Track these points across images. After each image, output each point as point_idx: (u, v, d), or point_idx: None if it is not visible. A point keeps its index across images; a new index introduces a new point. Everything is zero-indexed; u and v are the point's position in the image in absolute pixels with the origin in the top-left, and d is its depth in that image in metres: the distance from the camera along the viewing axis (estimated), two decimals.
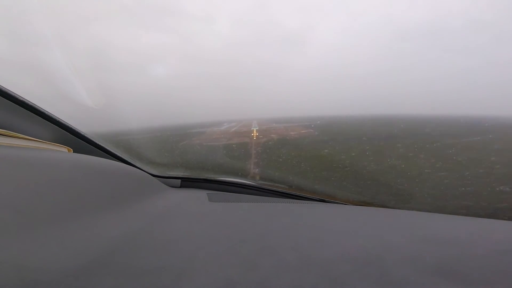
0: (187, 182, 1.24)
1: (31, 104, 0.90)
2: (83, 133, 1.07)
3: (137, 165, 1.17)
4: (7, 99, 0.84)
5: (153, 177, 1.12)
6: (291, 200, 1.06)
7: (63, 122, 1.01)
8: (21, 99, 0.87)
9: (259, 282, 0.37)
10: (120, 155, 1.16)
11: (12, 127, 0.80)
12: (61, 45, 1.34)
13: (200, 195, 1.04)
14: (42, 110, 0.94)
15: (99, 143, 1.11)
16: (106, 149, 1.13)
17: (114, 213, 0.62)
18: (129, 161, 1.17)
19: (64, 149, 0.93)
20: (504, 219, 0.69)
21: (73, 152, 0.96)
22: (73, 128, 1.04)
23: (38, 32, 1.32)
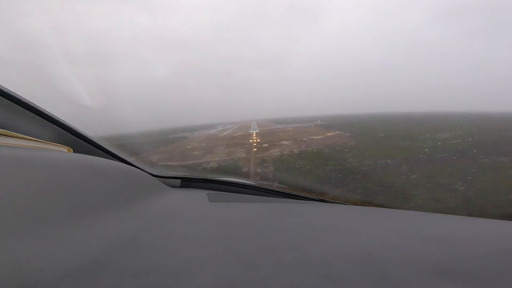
0: (187, 182, 1.24)
1: (31, 104, 0.90)
2: (83, 133, 1.07)
3: (137, 165, 1.17)
4: (7, 99, 0.84)
5: (153, 177, 1.12)
6: (291, 200, 1.06)
7: (63, 122, 1.01)
8: (21, 99, 0.87)
9: (259, 282, 0.37)
10: (120, 155, 1.16)
11: (12, 127, 0.80)
12: (61, 45, 1.34)
13: (200, 195, 1.04)
14: (42, 110, 0.94)
15: (99, 143, 1.11)
16: (106, 149, 1.13)
17: (114, 213, 0.62)
18: (129, 161, 1.17)
19: (64, 149, 0.93)
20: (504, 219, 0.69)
21: (73, 152, 0.96)
22: (73, 128, 1.04)
23: (38, 32, 1.32)
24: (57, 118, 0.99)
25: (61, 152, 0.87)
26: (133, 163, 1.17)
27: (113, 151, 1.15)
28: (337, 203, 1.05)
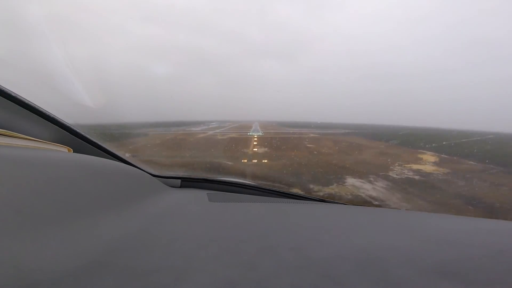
0: (187, 182, 1.24)
1: (31, 104, 0.90)
2: (83, 133, 1.07)
3: (137, 165, 1.17)
4: (7, 99, 0.84)
5: (153, 177, 1.12)
6: (291, 200, 1.06)
7: (63, 122, 1.01)
8: (21, 99, 0.87)
9: (259, 282, 0.37)
10: (120, 155, 1.16)
11: (12, 127, 0.80)
12: (61, 45, 1.34)
13: (200, 195, 1.05)
14: (42, 110, 0.94)
15: (99, 143, 1.11)
16: (106, 149, 1.13)
17: (114, 213, 0.62)
18: (129, 161, 1.17)
19: (64, 149, 0.93)
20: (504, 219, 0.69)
21: (73, 152, 0.96)
22: (73, 128, 1.04)
23: (38, 32, 1.32)
24: (57, 118, 0.99)
25: (61, 152, 0.87)
26: (133, 163, 1.17)
27: (113, 151, 1.15)
28: (337, 203, 1.05)
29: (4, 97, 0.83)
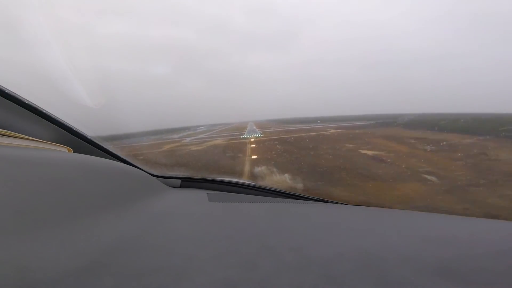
0: (187, 182, 1.24)
1: (31, 104, 0.90)
2: (83, 133, 1.07)
3: (137, 165, 1.17)
4: (7, 99, 0.84)
5: (153, 177, 1.12)
6: (291, 200, 1.06)
7: (63, 122, 1.01)
8: (21, 99, 0.87)
9: (259, 282, 0.37)
10: (120, 155, 1.17)
11: (12, 127, 0.80)
12: (61, 45, 1.34)
13: (200, 195, 1.05)
14: (42, 110, 0.94)
15: (99, 143, 1.12)
16: (106, 149, 1.13)
17: (114, 213, 0.62)
18: (129, 161, 1.17)
19: (64, 149, 0.93)
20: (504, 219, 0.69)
21: (73, 152, 0.96)
22: (73, 128, 1.04)
23: (38, 32, 1.32)
24: (57, 118, 0.99)
25: (61, 152, 0.87)
26: (133, 163, 1.17)
27: (113, 151, 1.15)
28: (337, 203, 1.05)
29: (4, 97, 0.83)
